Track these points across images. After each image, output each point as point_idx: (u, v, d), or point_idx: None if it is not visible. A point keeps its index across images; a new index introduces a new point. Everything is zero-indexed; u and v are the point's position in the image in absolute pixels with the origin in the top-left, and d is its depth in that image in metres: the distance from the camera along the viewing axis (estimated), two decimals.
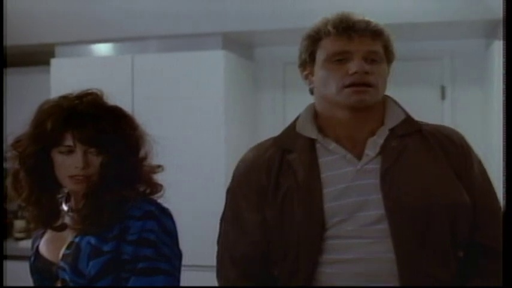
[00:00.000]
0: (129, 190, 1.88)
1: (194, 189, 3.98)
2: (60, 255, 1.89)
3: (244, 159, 1.99)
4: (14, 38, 4.31)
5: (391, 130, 1.86)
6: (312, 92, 1.95)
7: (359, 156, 1.84)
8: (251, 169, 1.93)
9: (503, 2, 1.65)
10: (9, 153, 1.94)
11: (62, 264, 1.87)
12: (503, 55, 1.65)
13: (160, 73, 4.15)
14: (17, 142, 1.93)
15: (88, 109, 1.88)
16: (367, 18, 1.86)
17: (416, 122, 1.92)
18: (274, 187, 1.86)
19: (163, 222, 1.87)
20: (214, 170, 3.96)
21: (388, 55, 1.89)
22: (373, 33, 1.84)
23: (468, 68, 4.23)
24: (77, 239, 1.87)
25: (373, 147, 1.84)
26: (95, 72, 4.16)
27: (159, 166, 1.99)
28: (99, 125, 1.86)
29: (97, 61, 4.35)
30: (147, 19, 4.15)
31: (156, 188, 1.96)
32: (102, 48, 4.40)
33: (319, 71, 1.88)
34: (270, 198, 1.85)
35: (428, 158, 1.82)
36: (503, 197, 1.76)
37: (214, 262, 1.95)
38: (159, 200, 1.95)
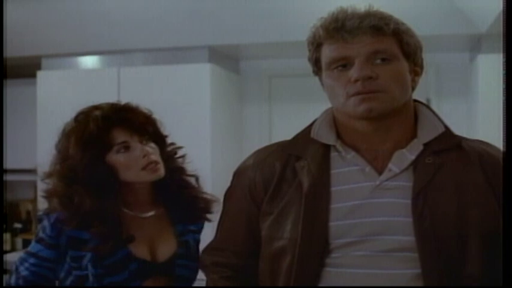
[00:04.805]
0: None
1: None
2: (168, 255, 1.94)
3: (244, 163, 1.76)
4: None
5: (426, 145, 1.59)
6: None
7: (380, 170, 1.57)
8: (248, 173, 1.71)
9: (503, 2, 1.63)
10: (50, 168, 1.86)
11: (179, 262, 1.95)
12: (504, 56, 1.61)
13: (147, 86, 4.15)
14: (64, 158, 1.84)
15: (123, 105, 1.95)
16: (364, 12, 1.55)
17: (456, 135, 1.66)
18: (272, 197, 1.63)
19: None
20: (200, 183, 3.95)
21: (405, 48, 1.57)
22: (372, 28, 1.53)
23: (453, 81, 4.27)
24: (183, 238, 1.98)
25: (399, 161, 1.57)
26: (81, 84, 4.16)
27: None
28: (140, 114, 1.95)
29: (83, 74, 4.34)
30: (133, 32, 4.16)
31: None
32: (89, 61, 4.39)
33: (324, 81, 1.61)
34: (266, 209, 1.63)
35: (467, 179, 1.55)
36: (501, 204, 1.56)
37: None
38: None
